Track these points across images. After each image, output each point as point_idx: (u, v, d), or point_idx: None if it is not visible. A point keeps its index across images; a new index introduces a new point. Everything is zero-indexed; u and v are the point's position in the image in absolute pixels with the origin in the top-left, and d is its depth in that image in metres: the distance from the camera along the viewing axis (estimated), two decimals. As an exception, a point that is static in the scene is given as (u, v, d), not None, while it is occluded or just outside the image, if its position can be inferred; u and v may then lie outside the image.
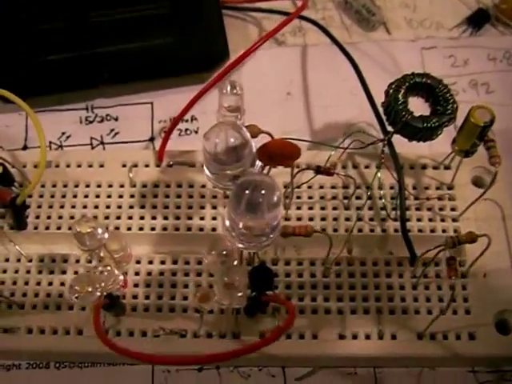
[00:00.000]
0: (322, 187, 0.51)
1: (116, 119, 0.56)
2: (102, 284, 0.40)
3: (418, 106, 0.47)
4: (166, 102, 0.57)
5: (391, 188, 0.51)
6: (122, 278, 0.44)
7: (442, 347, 0.46)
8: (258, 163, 0.43)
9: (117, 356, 0.40)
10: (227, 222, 0.41)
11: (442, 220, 0.50)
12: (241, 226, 0.40)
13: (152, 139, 0.56)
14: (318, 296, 0.47)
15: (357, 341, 0.46)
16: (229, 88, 0.43)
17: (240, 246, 0.41)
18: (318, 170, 0.46)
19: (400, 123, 0.46)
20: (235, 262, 0.41)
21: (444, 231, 0.49)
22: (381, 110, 0.49)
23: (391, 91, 0.47)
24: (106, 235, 0.41)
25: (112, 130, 0.56)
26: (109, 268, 0.42)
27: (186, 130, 0.56)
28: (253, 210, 0.38)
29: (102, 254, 0.43)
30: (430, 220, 0.50)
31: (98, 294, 0.40)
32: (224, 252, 0.41)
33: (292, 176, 0.47)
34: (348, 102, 0.56)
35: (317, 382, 0.47)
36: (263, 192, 0.38)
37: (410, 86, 0.47)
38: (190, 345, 0.46)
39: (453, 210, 0.50)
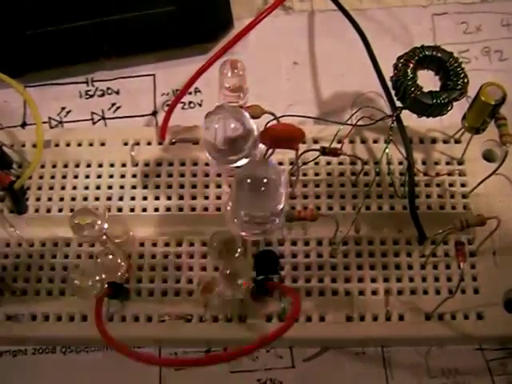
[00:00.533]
0: (328, 163, 0.49)
1: (117, 93, 0.54)
2: (103, 276, 0.40)
3: (428, 79, 0.45)
4: (168, 74, 0.55)
5: (400, 163, 0.49)
6: (124, 264, 0.43)
7: (450, 328, 0.45)
8: (261, 146, 0.42)
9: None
10: (229, 211, 0.40)
11: (452, 196, 0.48)
12: (243, 214, 0.39)
13: (155, 113, 0.54)
14: (325, 277, 0.46)
15: (364, 322, 0.45)
16: (229, 69, 0.41)
17: (243, 234, 0.40)
18: (324, 151, 0.45)
19: (409, 99, 0.45)
20: (239, 250, 0.40)
21: (454, 208, 0.48)
22: (389, 83, 0.47)
23: (400, 65, 0.45)
24: (106, 226, 0.40)
25: (113, 105, 0.54)
26: (110, 256, 0.42)
27: (190, 102, 0.54)
28: (255, 200, 0.37)
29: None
30: (440, 196, 0.48)
31: (99, 286, 0.39)
32: (227, 242, 0.40)
33: (297, 158, 0.45)
34: (356, 71, 0.54)
35: (324, 363, 0.47)
36: (265, 181, 0.36)
37: (420, 59, 0.45)
38: (195, 329, 0.45)
39: (463, 185, 0.49)
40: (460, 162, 0.49)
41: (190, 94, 0.54)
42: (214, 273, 0.46)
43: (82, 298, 0.41)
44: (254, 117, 0.43)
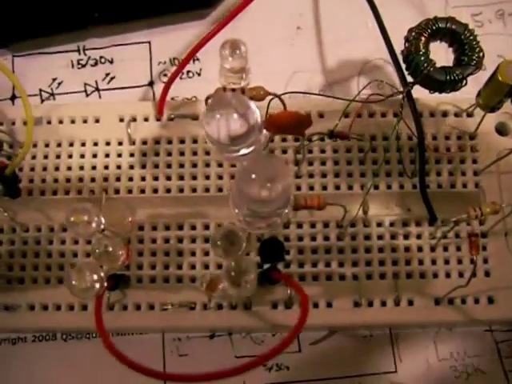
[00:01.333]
0: (335, 140, 0.46)
1: (111, 62, 0.51)
2: (102, 274, 0.37)
3: (441, 51, 0.43)
4: (164, 40, 0.52)
5: (409, 139, 0.46)
6: (123, 252, 0.41)
7: (461, 312, 0.44)
8: (266, 133, 0.39)
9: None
10: (232, 204, 0.37)
11: (463, 174, 0.46)
12: (247, 210, 0.36)
13: (151, 83, 0.51)
14: (332, 261, 0.44)
15: (372, 308, 0.44)
16: (230, 51, 0.38)
17: (247, 228, 0.38)
18: (332, 134, 0.42)
19: (421, 75, 0.42)
20: (244, 245, 0.38)
21: (465, 186, 0.46)
22: (400, 55, 0.44)
23: (411, 39, 0.42)
24: (103, 221, 0.38)
25: (107, 75, 0.51)
26: (110, 248, 0.39)
27: (188, 72, 0.51)
28: (260, 197, 0.34)
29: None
30: (451, 174, 0.46)
31: (97, 287, 0.37)
32: (230, 237, 0.37)
33: (302, 142, 0.43)
34: (363, 36, 0.51)
35: (331, 346, 0.46)
36: (272, 177, 0.34)
37: (433, 31, 0.42)
38: (199, 317, 0.43)
39: (474, 162, 0.46)
40: (472, 137, 0.47)
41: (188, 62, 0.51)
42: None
43: (81, 298, 0.39)
44: (257, 99, 0.40)
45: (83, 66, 0.51)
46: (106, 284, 0.38)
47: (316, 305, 0.44)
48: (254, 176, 0.33)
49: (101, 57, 0.51)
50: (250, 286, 0.37)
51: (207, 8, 0.51)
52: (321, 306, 0.44)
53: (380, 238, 0.45)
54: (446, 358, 0.45)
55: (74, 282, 0.36)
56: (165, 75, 0.51)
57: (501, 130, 0.48)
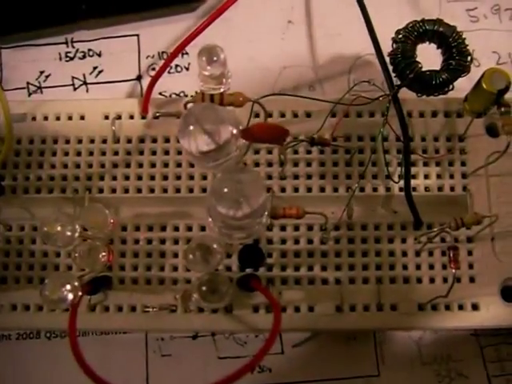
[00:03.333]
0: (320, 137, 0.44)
1: (99, 55, 0.49)
2: (75, 284, 0.36)
3: (431, 51, 0.40)
4: (153, 34, 0.50)
5: (398, 140, 0.44)
6: (104, 255, 0.40)
7: (444, 319, 0.42)
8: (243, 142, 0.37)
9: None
10: (208, 217, 0.36)
11: (451, 177, 0.44)
12: (222, 224, 0.35)
13: (139, 78, 0.49)
14: (315, 265, 0.43)
15: (355, 313, 0.42)
16: (207, 59, 0.36)
17: (226, 239, 0.37)
18: (313, 142, 0.40)
19: (408, 79, 0.40)
20: (218, 260, 0.36)
21: (452, 189, 0.44)
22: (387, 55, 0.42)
23: (399, 43, 0.40)
24: (77, 233, 0.36)
25: (95, 68, 0.49)
26: (90, 252, 0.38)
27: (176, 66, 0.49)
28: (232, 210, 0.33)
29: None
30: (438, 177, 0.44)
31: (71, 297, 0.36)
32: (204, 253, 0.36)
33: (284, 151, 0.41)
34: (356, 31, 0.48)
35: (314, 349, 0.44)
36: (244, 192, 0.32)
37: (420, 34, 0.40)
38: (181, 320, 0.42)
39: (463, 164, 0.44)
40: (461, 138, 0.45)
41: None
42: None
43: (56, 308, 0.38)
44: (236, 105, 0.39)
45: (71, 58, 0.49)
46: (80, 293, 0.36)
47: (298, 309, 0.42)
48: (224, 196, 0.31)
49: (89, 49, 0.49)
50: (221, 302, 0.35)
51: (197, 1, 0.48)
52: (302, 310, 0.42)
53: (364, 241, 0.43)
54: (429, 362, 0.44)
55: (46, 293, 0.35)
56: (153, 69, 0.49)
57: (491, 130, 0.45)
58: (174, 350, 0.44)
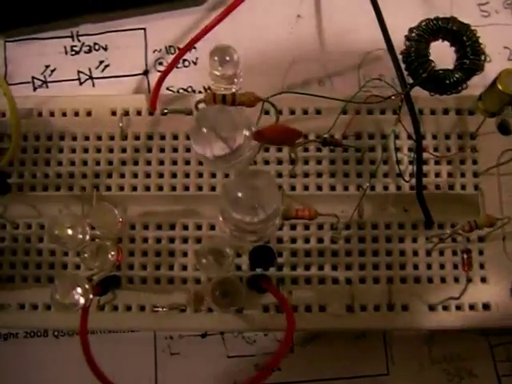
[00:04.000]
0: (332, 137, 0.44)
1: (105, 49, 0.48)
2: (86, 286, 0.35)
3: (442, 50, 0.40)
4: (160, 27, 0.49)
5: (409, 138, 0.43)
6: (114, 254, 0.39)
7: (456, 319, 0.42)
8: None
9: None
10: (220, 218, 0.35)
11: (462, 175, 0.43)
12: (234, 227, 0.34)
13: (146, 72, 0.48)
14: (325, 264, 0.42)
15: (365, 313, 0.42)
16: (219, 59, 0.35)
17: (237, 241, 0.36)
18: (325, 142, 0.39)
19: (420, 78, 0.39)
20: (230, 262, 0.36)
21: (463, 188, 0.43)
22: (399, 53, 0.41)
23: (412, 42, 0.39)
24: (88, 235, 0.36)
25: (101, 63, 0.48)
26: (99, 253, 0.38)
27: (184, 61, 0.48)
28: (247, 216, 0.32)
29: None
30: (450, 175, 0.43)
31: (82, 301, 0.35)
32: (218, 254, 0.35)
33: (294, 150, 0.40)
34: (366, 25, 0.47)
35: (323, 347, 0.44)
36: (259, 199, 0.32)
37: (433, 32, 0.39)
38: (190, 319, 0.42)
39: (475, 163, 0.44)
40: (473, 136, 0.44)
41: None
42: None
43: (66, 312, 0.37)
44: (247, 105, 0.38)
45: (77, 52, 0.48)
46: (91, 296, 0.36)
47: (308, 308, 0.42)
48: (239, 203, 0.30)
49: (95, 43, 0.48)
50: (233, 306, 0.35)
51: (204, -4, 0.48)
52: (313, 309, 0.42)
53: (375, 240, 0.43)
54: (439, 360, 0.44)
55: (57, 297, 0.34)
56: (160, 64, 0.48)
57: (503, 128, 0.45)
58: (182, 349, 0.44)
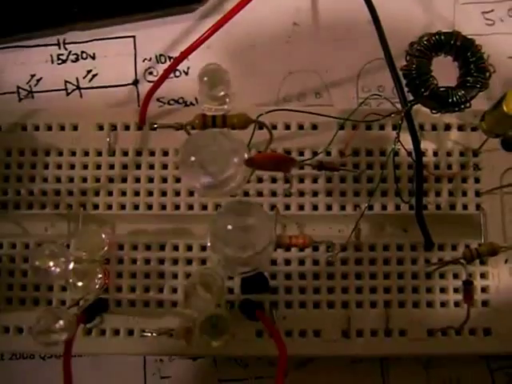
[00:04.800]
0: (328, 153, 0.42)
1: (93, 57, 0.46)
2: (70, 319, 0.34)
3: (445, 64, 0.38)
4: (150, 35, 0.47)
5: (409, 155, 0.42)
6: (100, 277, 0.38)
7: (455, 345, 0.40)
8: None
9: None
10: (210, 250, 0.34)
11: (464, 194, 0.42)
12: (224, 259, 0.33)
13: (136, 82, 0.46)
14: (321, 287, 0.41)
15: (362, 339, 0.40)
16: (208, 81, 0.34)
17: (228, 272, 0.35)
18: (321, 166, 0.38)
19: (422, 96, 0.37)
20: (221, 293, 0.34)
21: (465, 208, 0.42)
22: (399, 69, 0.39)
23: (413, 57, 0.37)
24: (71, 265, 0.34)
25: (89, 72, 0.46)
26: (80, 284, 0.36)
27: (175, 71, 0.46)
28: (239, 253, 0.31)
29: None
30: (451, 194, 0.42)
31: (59, 338, 0.33)
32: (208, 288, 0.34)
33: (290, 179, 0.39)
34: (364, 34, 0.45)
35: (318, 370, 0.43)
36: (251, 238, 0.30)
37: (436, 48, 0.37)
38: (180, 344, 0.40)
39: (477, 181, 0.42)
40: (475, 153, 0.42)
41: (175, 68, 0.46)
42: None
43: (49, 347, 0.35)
44: (239, 127, 0.36)
45: (63, 61, 0.46)
46: (74, 331, 0.34)
47: (303, 333, 0.40)
48: (230, 242, 0.29)
49: (82, 52, 0.46)
50: (223, 338, 0.33)
51: (196, 3, 0.45)
52: (308, 335, 0.40)
53: (372, 263, 0.41)
54: (437, 385, 0.42)
55: (38, 336, 0.33)
56: (150, 73, 0.46)
57: (507, 143, 0.43)
58: (173, 372, 0.43)
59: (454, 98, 0.37)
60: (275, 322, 0.40)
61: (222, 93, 0.34)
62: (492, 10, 0.46)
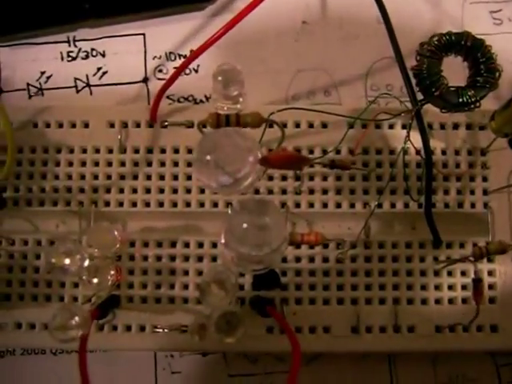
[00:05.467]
0: (338, 152, 0.43)
1: (103, 55, 0.47)
2: (85, 315, 0.35)
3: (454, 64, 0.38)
4: (160, 32, 0.47)
5: (417, 153, 0.42)
6: (113, 273, 0.38)
7: (462, 341, 0.41)
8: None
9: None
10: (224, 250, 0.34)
11: (472, 192, 0.42)
12: (238, 258, 0.33)
13: (146, 80, 0.47)
14: (331, 284, 0.42)
15: (371, 335, 0.41)
16: (223, 81, 0.34)
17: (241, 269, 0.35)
18: (333, 165, 0.38)
19: (432, 96, 0.38)
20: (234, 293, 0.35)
21: (473, 206, 0.42)
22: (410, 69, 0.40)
23: (423, 57, 0.38)
24: (86, 263, 0.35)
25: (99, 69, 0.47)
26: (95, 280, 0.37)
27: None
28: (254, 251, 0.32)
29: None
30: (459, 192, 0.42)
31: (74, 334, 0.34)
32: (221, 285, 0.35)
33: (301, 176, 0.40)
34: (374, 32, 0.47)
35: (327, 366, 0.43)
36: (266, 237, 0.31)
37: (446, 48, 0.38)
38: (191, 340, 0.40)
39: (485, 180, 0.43)
40: (483, 152, 0.43)
41: (185, 57, 0.47)
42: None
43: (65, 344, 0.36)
44: (252, 126, 0.37)
45: (73, 58, 0.47)
46: (89, 326, 0.35)
47: (313, 330, 0.41)
48: (245, 241, 0.30)
49: (92, 49, 0.47)
50: (237, 334, 0.34)
51: (206, 2, 0.46)
52: (318, 331, 0.41)
53: (381, 260, 0.42)
54: (444, 381, 0.43)
55: (54, 332, 0.34)
56: (160, 71, 0.47)
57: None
58: (183, 368, 0.43)
59: (464, 98, 0.38)
60: (285, 318, 0.41)
61: (236, 92, 0.35)
62: (500, 10, 0.47)
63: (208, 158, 0.32)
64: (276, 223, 0.31)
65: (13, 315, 0.41)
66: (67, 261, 0.34)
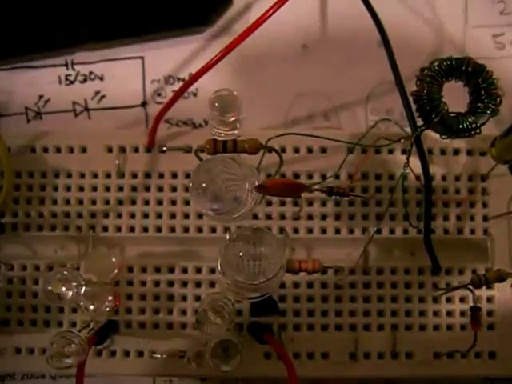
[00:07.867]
0: (337, 177, 0.46)
1: (101, 78, 0.50)
2: (82, 342, 0.37)
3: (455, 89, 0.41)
4: (159, 56, 0.50)
5: (417, 178, 0.45)
6: (111, 299, 0.41)
7: (460, 367, 0.44)
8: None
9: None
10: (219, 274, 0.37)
11: (472, 219, 0.45)
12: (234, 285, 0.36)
13: (144, 104, 0.50)
14: (329, 310, 0.44)
15: (369, 361, 0.44)
16: (219, 106, 0.37)
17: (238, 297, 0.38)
18: (331, 192, 0.41)
19: (432, 122, 0.40)
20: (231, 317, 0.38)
21: (472, 232, 0.45)
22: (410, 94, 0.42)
23: (424, 84, 0.41)
24: (83, 290, 0.37)
25: (97, 93, 0.50)
26: (91, 307, 0.40)
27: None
28: (250, 279, 0.34)
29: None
30: (459, 219, 0.45)
31: (71, 362, 0.37)
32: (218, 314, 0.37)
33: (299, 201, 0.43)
34: (374, 57, 0.49)
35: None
36: (263, 266, 0.34)
37: (447, 73, 0.41)
38: (189, 366, 0.43)
39: (485, 206, 0.45)
40: (484, 178, 0.46)
41: (184, 80, 0.50)
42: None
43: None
44: (250, 152, 0.39)
45: (71, 82, 0.50)
46: (86, 354, 0.38)
47: (311, 356, 0.44)
48: (242, 271, 0.33)
49: (90, 72, 0.50)
50: (232, 366, 0.37)
51: (205, 24, 0.49)
52: (316, 357, 0.44)
53: (380, 286, 0.45)
54: (442, 407, 0.46)
55: (51, 360, 0.36)
56: (159, 95, 0.50)
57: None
58: (182, 393, 0.46)
59: (465, 125, 0.40)
60: (283, 344, 0.43)
61: (233, 118, 0.38)
62: (502, 34, 0.50)
63: (203, 186, 0.34)
64: (272, 253, 0.33)
65: (12, 340, 0.44)
66: (63, 288, 0.37)
